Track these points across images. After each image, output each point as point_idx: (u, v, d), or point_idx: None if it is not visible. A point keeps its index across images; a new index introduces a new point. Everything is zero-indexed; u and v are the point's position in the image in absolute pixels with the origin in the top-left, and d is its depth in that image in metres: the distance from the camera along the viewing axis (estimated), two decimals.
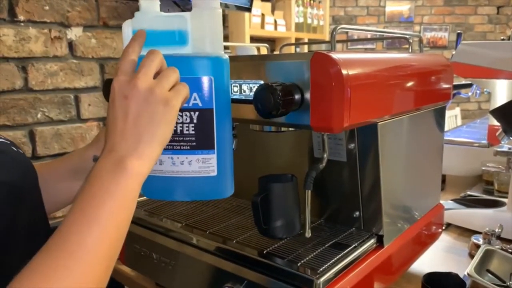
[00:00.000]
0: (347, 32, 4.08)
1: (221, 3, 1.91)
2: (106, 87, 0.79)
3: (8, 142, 0.61)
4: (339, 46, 4.27)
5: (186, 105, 0.53)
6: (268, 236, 0.74)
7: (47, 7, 1.42)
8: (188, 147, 0.55)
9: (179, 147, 0.55)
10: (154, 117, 0.49)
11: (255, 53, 0.88)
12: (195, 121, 0.54)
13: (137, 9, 1.52)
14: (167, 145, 0.53)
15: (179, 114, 0.53)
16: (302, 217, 0.74)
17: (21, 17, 1.36)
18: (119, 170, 0.47)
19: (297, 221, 0.74)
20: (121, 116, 0.48)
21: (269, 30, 2.81)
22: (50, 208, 0.66)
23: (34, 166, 0.63)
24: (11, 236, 0.53)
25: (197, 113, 0.54)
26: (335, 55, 0.58)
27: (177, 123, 0.54)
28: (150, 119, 0.48)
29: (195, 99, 0.53)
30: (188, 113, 0.54)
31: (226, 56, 0.56)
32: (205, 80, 0.53)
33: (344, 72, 0.57)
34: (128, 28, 0.54)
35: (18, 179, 0.57)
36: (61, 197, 0.69)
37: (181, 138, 0.54)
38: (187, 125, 0.54)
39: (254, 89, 0.64)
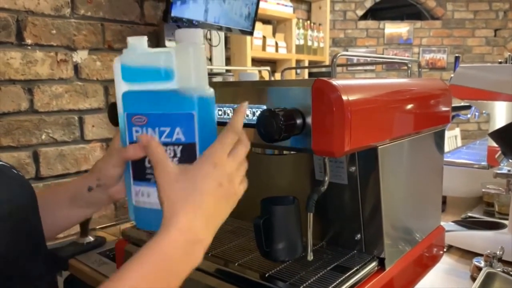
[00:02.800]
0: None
1: (224, 27, 1.95)
2: (112, 110, 0.81)
3: (8, 165, 0.62)
4: (339, 68, 4.32)
5: (169, 139, 0.54)
6: (270, 259, 0.74)
7: (54, 31, 1.45)
8: None
9: None
10: (228, 210, 0.52)
11: (257, 78, 0.91)
12: (178, 155, 0.54)
13: (141, 33, 1.55)
14: (152, 179, 0.55)
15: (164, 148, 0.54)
16: (304, 239, 0.74)
17: (29, 41, 1.39)
18: (194, 253, 0.49)
19: (299, 243, 0.74)
20: (211, 203, 0.50)
21: (270, 52, 2.85)
22: (46, 234, 0.66)
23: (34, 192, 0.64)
24: (10, 255, 0.54)
25: (180, 147, 0.54)
26: (335, 82, 0.60)
27: None
28: (226, 212, 0.52)
29: (178, 134, 0.53)
30: (172, 148, 0.54)
31: (211, 90, 0.56)
32: (187, 116, 0.53)
33: (344, 98, 0.58)
34: (117, 63, 0.56)
35: (17, 198, 0.58)
36: (58, 223, 0.69)
37: None
38: (171, 159, 0.54)
39: (257, 114, 0.66)
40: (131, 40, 0.55)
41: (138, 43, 0.55)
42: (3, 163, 0.61)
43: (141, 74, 0.54)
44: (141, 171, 0.57)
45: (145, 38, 0.55)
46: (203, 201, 0.49)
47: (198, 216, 0.49)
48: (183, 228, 0.48)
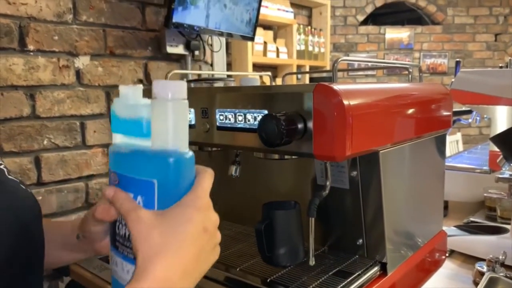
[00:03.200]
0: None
1: (225, 32, 1.96)
2: None
3: (17, 180, 0.62)
4: (340, 73, 4.33)
5: None
6: (272, 264, 0.74)
7: (56, 37, 1.46)
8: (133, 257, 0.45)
9: (126, 253, 0.47)
10: (212, 260, 0.47)
11: (259, 83, 0.91)
12: None
13: (143, 38, 1.55)
14: (119, 247, 0.48)
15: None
16: (306, 244, 0.74)
17: (31, 47, 1.40)
18: None
19: (301, 248, 0.74)
20: (193, 250, 0.44)
21: (271, 58, 2.86)
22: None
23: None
24: (10, 263, 0.54)
25: None
26: (336, 86, 0.60)
27: (124, 225, 0.47)
28: (210, 261, 0.47)
29: (139, 203, 0.46)
30: None
31: (189, 154, 0.47)
32: (148, 184, 0.45)
33: (345, 102, 0.59)
34: (111, 110, 0.51)
35: (23, 212, 0.58)
36: (50, 260, 0.66)
37: (128, 244, 0.46)
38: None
39: (258, 118, 0.66)
40: (122, 89, 0.49)
41: (131, 93, 0.48)
42: (13, 178, 0.61)
43: (125, 126, 0.48)
44: (112, 235, 0.50)
45: (140, 87, 0.48)
46: (183, 247, 0.43)
47: (177, 265, 0.43)
48: (158, 278, 0.41)
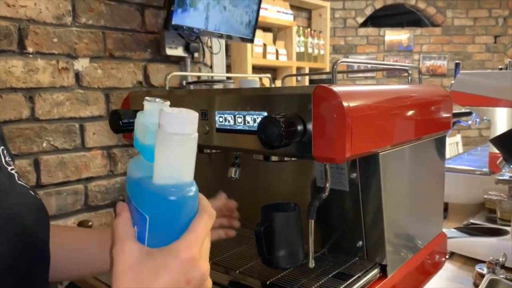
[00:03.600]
0: None
1: (224, 34, 1.96)
2: (113, 118, 0.81)
3: (27, 186, 0.62)
4: (340, 75, 4.33)
5: None
6: (272, 266, 0.74)
7: (55, 39, 1.46)
8: None
9: None
10: None
11: (258, 85, 0.91)
12: None
13: (143, 41, 1.55)
14: None
15: None
16: (305, 246, 0.74)
17: (30, 49, 1.40)
18: None
19: (301, 250, 0.74)
20: None
21: (271, 60, 2.86)
22: (65, 275, 0.65)
23: (54, 226, 0.64)
24: (11, 273, 0.53)
25: None
26: (336, 88, 0.60)
27: None
28: None
29: (135, 232, 0.44)
30: None
31: (192, 191, 0.44)
32: (141, 217, 0.43)
33: (345, 104, 0.58)
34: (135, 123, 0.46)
35: (29, 219, 0.57)
36: (82, 267, 0.69)
37: None
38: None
39: (257, 120, 0.66)
40: (147, 105, 0.44)
41: (154, 109, 0.43)
42: (23, 184, 0.61)
43: (140, 146, 0.45)
44: None
45: (166, 105, 0.44)
46: None
47: None
48: None
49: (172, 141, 0.40)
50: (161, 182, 0.42)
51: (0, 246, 0.51)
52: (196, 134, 0.42)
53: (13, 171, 0.60)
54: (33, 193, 0.61)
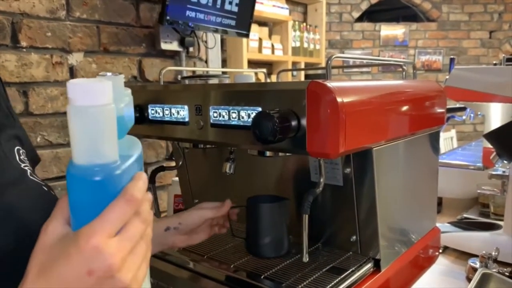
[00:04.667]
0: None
1: (220, 29, 1.95)
2: None
3: (43, 183, 0.62)
4: (335, 70, 4.34)
5: None
6: (254, 255, 0.79)
7: (49, 34, 1.45)
8: None
9: None
10: None
11: (253, 80, 0.91)
12: None
13: (137, 35, 1.53)
14: None
15: None
16: (291, 237, 0.79)
17: (24, 43, 1.39)
18: None
19: (285, 241, 0.78)
20: None
21: (266, 54, 2.86)
22: None
23: None
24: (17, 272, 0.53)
25: None
26: (330, 84, 0.60)
27: None
28: None
29: None
30: None
31: (107, 172, 0.39)
32: (67, 196, 0.40)
33: (339, 100, 0.58)
34: None
35: (37, 214, 0.56)
36: None
37: None
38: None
39: (252, 116, 0.66)
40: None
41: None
42: (36, 179, 0.60)
43: None
44: None
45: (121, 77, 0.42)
46: None
47: None
48: None
49: (82, 115, 0.36)
50: (78, 162, 0.38)
51: (3, 236, 0.51)
52: (112, 106, 0.38)
53: (26, 168, 0.60)
54: (46, 189, 0.61)
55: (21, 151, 0.63)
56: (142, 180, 0.41)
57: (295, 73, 3.24)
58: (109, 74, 0.43)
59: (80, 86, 0.36)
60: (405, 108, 0.77)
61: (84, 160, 0.38)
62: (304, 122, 0.60)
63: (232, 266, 0.76)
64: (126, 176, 0.40)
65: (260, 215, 0.77)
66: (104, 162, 0.38)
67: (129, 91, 0.47)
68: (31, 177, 0.60)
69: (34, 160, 0.69)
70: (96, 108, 0.36)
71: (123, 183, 0.40)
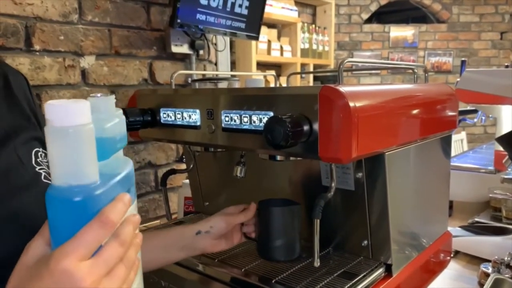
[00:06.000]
0: (352, 56, 4.13)
1: (229, 32, 1.95)
2: None
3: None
4: (344, 72, 4.33)
5: None
6: (265, 258, 0.78)
7: (62, 37, 1.47)
8: None
9: None
10: None
11: (263, 84, 0.91)
12: None
13: (148, 38, 1.54)
14: None
15: None
16: (303, 242, 0.78)
17: (37, 47, 1.40)
18: None
19: (296, 245, 0.78)
20: None
21: (275, 56, 2.86)
22: None
23: None
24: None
25: None
26: (342, 88, 0.60)
27: None
28: None
29: None
30: None
31: (80, 193, 0.38)
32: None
33: (351, 104, 0.59)
34: None
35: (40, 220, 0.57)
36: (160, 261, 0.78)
37: None
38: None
39: (263, 120, 0.66)
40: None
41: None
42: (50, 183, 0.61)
43: None
44: None
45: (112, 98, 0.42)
46: None
47: None
48: None
49: (59, 135, 0.36)
50: (56, 183, 0.38)
51: (10, 240, 0.52)
52: (91, 126, 0.38)
53: (41, 171, 0.61)
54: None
55: (39, 153, 0.63)
56: (123, 202, 0.40)
57: (304, 75, 3.23)
58: (99, 95, 0.43)
59: (57, 107, 0.36)
60: (417, 112, 0.77)
61: (62, 180, 0.38)
62: (316, 126, 0.61)
63: (243, 270, 0.77)
64: (107, 197, 0.39)
65: (272, 218, 0.77)
66: (82, 183, 0.38)
67: (120, 111, 0.47)
68: (44, 180, 0.60)
69: None
70: (74, 128, 0.36)
71: (103, 204, 0.39)
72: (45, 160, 0.64)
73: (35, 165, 0.61)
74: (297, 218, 0.78)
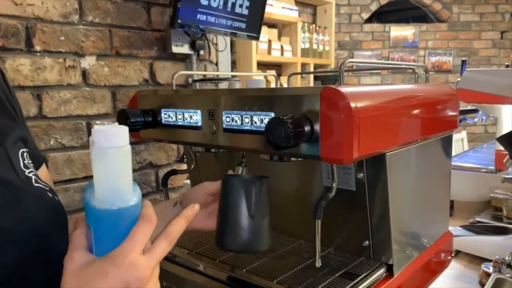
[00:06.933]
0: (352, 55, 4.14)
1: (230, 32, 1.95)
2: (121, 116, 0.82)
3: (47, 188, 0.61)
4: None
5: None
6: (221, 248, 0.68)
7: (62, 38, 1.47)
8: None
9: None
10: None
11: (264, 84, 0.91)
12: None
13: (149, 38, 1.54)
14: None
15: None
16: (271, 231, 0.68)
17: (38, 47, 1.41)
18: None
19: (261, 234, 0.66)
20: None
21: (275, 56, 2.86)
22: None
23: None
24: (25, 280, 0.53)
25: None
26: (343, 89, 0.60)
27: None
28: None
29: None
30: None
31: (132, 201, 0.47)
32: (89, 228, 0.47)
33: (352, 105, 0.59)
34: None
35: (41, 222, 0.56)
36: None
37: None
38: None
39: (265, 121, 0.66)
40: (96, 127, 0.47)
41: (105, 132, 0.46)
42: (42, 186, 0.60)
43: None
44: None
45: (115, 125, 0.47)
46: None
47: None
48: None
49: (106, 155, 0.44)
50: (100, 195, 0.45)
51: (11, 251, 0.52)
52: (129, 147, 0.45)
53: (31, 174, 0.60)
54: (51, 195, 0.61)
55: (25, 154, 0.62)
56: (151, 205, 0.49)
57: (304, 74, 3.23)
58: (106, 123, 0.49)
59: (102, 131, 0.44)
60: (418, 112, 0.77)
61: (105, 194, 0.45)
62: (317, 127, 0.61)
63: (244, 270, 0.77)
64: (139, 205, 0.48)
65: (226, 191, 0.67)
66: (123, 196, 0.46)
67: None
68: (36, 185, 0.59)
69: (37, 160, 0.69)
70: (119, 148, 0.44)
71: (138, 211, 0.47)
72: (30, 162, 0.63)
73: (24, 169, 0.60)
74: (261, 195, 0.66)
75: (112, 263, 0.44)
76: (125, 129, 0.45)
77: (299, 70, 3.02)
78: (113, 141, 0.44)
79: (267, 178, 0.69)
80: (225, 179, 0.69)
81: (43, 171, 0.71)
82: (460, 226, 1.21)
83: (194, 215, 0.55)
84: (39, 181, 0.61)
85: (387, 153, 0.70)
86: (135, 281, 0.44)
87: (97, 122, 0.48)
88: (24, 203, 0.56)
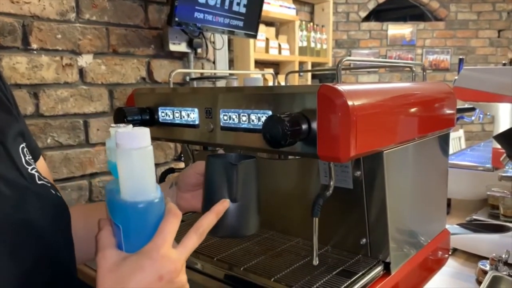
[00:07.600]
0: (350, 54, 4.14)
1: (227, 30, 1.95)
2: (118, 115, 0.82)
3: (49, 184, 0.61)
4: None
5: None
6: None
7: (59, 36, 1.46)
8: None
9: None
10: None
11: (262, 83, 0.91)
12: None
13: (146, 36, 1.55)
14: None
15: None
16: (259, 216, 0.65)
17: (34, 45, 1.40)
18: None
19: (246, 218, 0.63)
20: None
21: (273, 54, 2.86)
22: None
23: (83, 207, 0.65)
24: (30, 280, 0.53)
25: None
26: (341, 87, 0.60)
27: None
28: None
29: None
30: None
31: (157, 198, 0.49)
32: (117, 226, 0.49)
33: (350, 103, 0.59)
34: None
35: (46, 223, 0.56)
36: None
37: None
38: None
39: (262, 119, 0.66)
40: (113, 131, 0.51)
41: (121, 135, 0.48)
42: (44, 182, 0.60)
43: (113, 166, 0.51)
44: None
45: (130, 127, 0.51)
46: None
47: None
48: None
49: (131, 155, 0.46)
50: (127, 194, 0.48)
51: (17, 253, 0.51)
52: (151, 147, 0.48)
53: (33, 171, 0.60)
54: (54, 192, 0.61)
55: (25, 150, 0.62)
56: (170, 201, 0.53)
57: (302, 73, 3.23)
58: (122, 125, 0.53)
59: (125, 133, 0.47)
60: (415, 110, 0.77)
61: (132, 192, 0.48)
62: (314, 125, 0.61)
63: (242, 268, 0.77)
64: (163, 201, 0.51)
65: (208, 173, 0.63)
66: (149, 193, 0.49)
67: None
68: (39, 182, 0.60)
69: (35, 153, 0.68)
70: (142, 149, 0.47)
71: (162, 207, 0.50)
72: (31, 158, 0.62)
73: (26, 166, 0.60)
74: (246, 176, 0.62)
75: (147, 257, 0.47)
76: (146, 130, 0.48)
77: (296, 69, 3.02)
78: (137, 142, 0.47)
79: (254, 158, 0.65)
80: (206, 160, 0.64)
81: (41, 164, 0.71)
82: (457, 224, 1.21)
83: (224, 210, 0.58)
84: (42, 178, 0.61)
85: (385, 151, 0.70)
86: (168, 273, 0.47)
87: (120, 125, 0.52)
88: (28, 203, 0.55)
